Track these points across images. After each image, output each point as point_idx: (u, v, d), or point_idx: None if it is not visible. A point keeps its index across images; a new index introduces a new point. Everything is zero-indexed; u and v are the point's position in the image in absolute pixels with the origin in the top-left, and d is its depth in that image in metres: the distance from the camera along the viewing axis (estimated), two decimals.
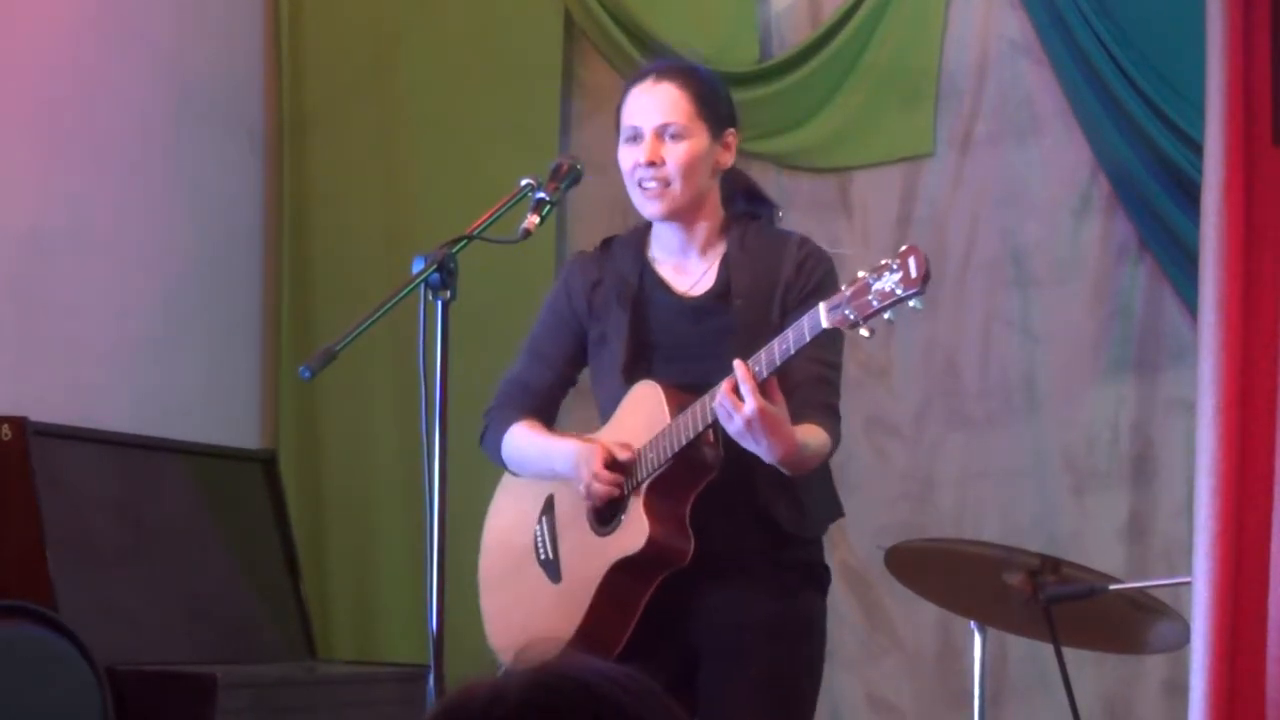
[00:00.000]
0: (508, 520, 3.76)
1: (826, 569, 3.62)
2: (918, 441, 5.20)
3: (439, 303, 3.18)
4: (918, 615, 5.02)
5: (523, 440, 3.66)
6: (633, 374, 3.56)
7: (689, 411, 3.40)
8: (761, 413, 3.27)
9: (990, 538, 4.73)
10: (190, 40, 5.44)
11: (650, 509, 3.44)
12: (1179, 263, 4.91)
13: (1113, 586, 3.90)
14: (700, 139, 3.57)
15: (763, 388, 3.29)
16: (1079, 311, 5.08)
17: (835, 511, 3.64)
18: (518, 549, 3.69)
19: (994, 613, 4.02)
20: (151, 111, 5.33)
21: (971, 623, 4.03)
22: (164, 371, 5.31)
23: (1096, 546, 4.94)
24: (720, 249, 3.61)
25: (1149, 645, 4.22)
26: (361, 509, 5.55)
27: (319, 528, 5.54)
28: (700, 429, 3.38)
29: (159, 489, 4.96)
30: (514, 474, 3.72)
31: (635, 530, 3.45)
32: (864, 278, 3.22)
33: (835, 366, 3.56)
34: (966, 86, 5.19)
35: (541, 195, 3.41)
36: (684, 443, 3.40)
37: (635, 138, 3.57)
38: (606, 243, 3.73)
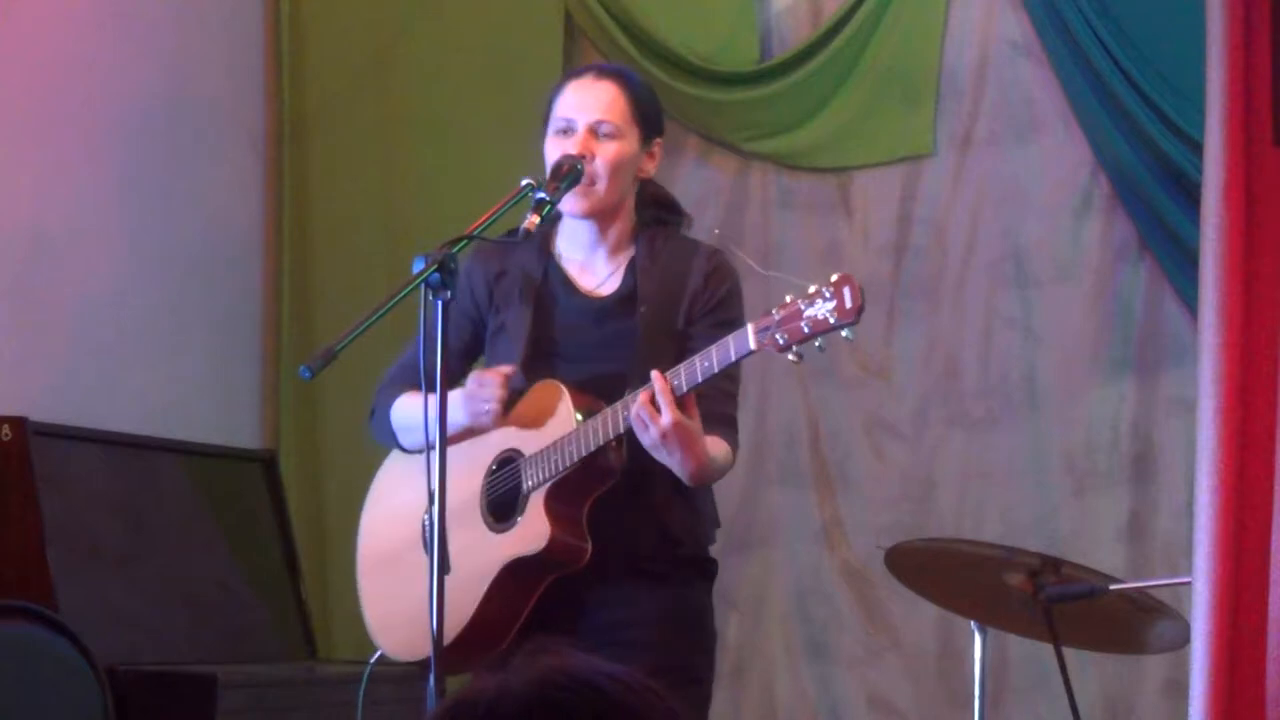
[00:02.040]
0: (390, 505, 3.74)
1: (715, 561, 3.63)
2: (918, 441, 5.20)
3: (439, 303, 3.18)
4: (918, 615, 5.02)
5: (410, 405, 3.62)
6: (532, 370, 3.54)
7: (600, 417, 3.40)
8: (677, 426, 3.30)
9: (990, 538, 4.73)
10: (190, 40, 5.44)
11: (551, 510, 3.44)
12: (1179, 263, 4.91)
13: (1113, 586, 3.90)
14: (631, 142, 3.55)
15: (680, 402, 3.31)
16: (1079, 311, 5.08)
17: (717, 520, 3.67)
18: (401, 535, 3.67)
19: (994, 613, 4.02)
20: (151, 111, 5.33)
21: (972, 623, 4.02)
22: (164, 371, 5.31)
23: (1096, 546, 4.94)
24: (628, 253, 3.60)
25: (1149, 645, 4.21)
26: (361, 509, 5.54)
27: (319, 528, 5.54)
28: (610, 436, 3.38)
29: (159, 489, 4.96)
30: (404, 449, 3.67)
31: (535, 531, 3.45)
32: (795, 302, 3.22)
33: (735, 379, 3.57)
34: (966, 86, 5.19)
35: (541, 195, 3.40)
36: (593, 449, 3.40)
37: (567, 131, 3.55)
38: (510, 233, 3.66)
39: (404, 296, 3.22)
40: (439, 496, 3.16)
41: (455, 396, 3.47)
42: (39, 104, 5.00)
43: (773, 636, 5.26)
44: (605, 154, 3.52)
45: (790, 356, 3.23)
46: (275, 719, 4.58)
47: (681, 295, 3.54)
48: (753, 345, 3.24)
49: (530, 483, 3.48)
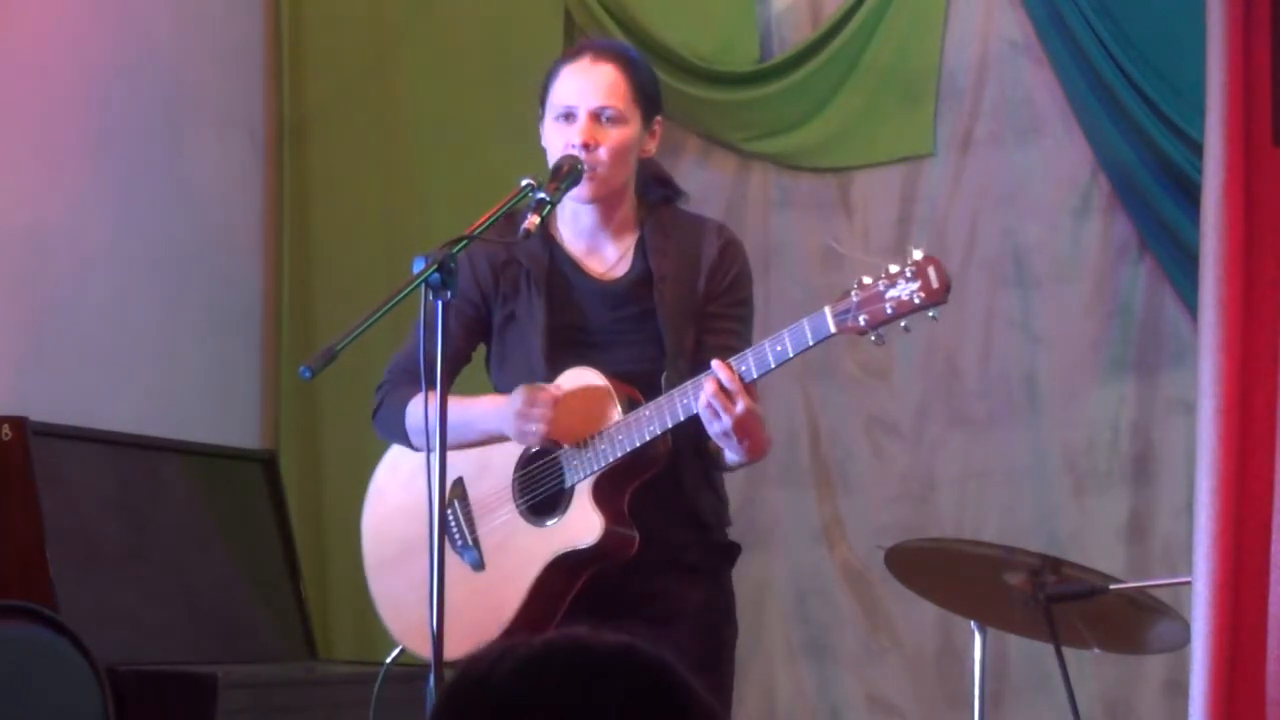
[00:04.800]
0: (397, 501, 3.67)
1: (737, 545, 3.61)
2: (918, 441, 5.20)
3: (439, 303, 3.18)
4: (918, 615, 5.02)
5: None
6: (555, 360, 3.48)
7: (651, 407, 3.35)
8: (749, 414, 3.26)
9: (990, 538, 4.73)
10: (190, 40, 5.44)
11: (600, 502, 3.40)
12: (1179, 263, 4.91)
13: (1113, 586, 3.90)
14: (634, 125, 3.49)
15: (745, 387, 3.26)
16: (1079, 311, 5.08)
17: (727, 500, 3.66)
18: (415, 532, 3.48)
19: (994, 613, 4.02)
20: (151, 111, 5.33)
21: (972, 623, 4.02)
22: (164, 371, 5.31)
23: (1096, 546, 4.94)
24: (633, 233, 3.55)
25: (1149, 645, 4.22)
26: (361, 509, 5.53)
27: (319, 528, 5.54)
28: (668, 427, 3.34)
29: (159, 489, 4.96)
30: (414, 448, 3.59)
31: (586, 524, 3.40)
32: (875, 283, 3.16)
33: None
34: (966, 86, 5.19)
35: (541, 195, 3.38)
36: (647, 439, 3.36)
37: (568, 117, 3.48)
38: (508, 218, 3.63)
39: (404, 296, 3.21)
40: (437, 500, 3.15)
41: (499, 408, 3.45)
42: (39, 104, 5.00)
43: (773, 636, 5.26)
44: (610, 140, 3.46)
45: (872, 338, 3.16)
46: (275, 719, 4.58)
47: (698, 271, 3.49)
48: (832, 329, 3.18)
49: (576, 475, 3.43)
